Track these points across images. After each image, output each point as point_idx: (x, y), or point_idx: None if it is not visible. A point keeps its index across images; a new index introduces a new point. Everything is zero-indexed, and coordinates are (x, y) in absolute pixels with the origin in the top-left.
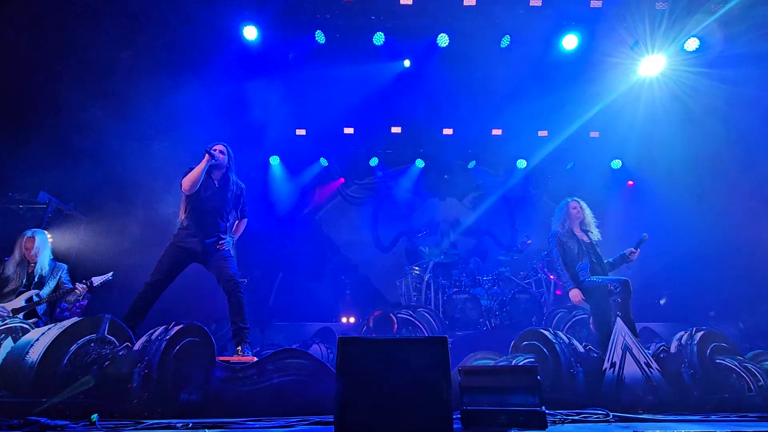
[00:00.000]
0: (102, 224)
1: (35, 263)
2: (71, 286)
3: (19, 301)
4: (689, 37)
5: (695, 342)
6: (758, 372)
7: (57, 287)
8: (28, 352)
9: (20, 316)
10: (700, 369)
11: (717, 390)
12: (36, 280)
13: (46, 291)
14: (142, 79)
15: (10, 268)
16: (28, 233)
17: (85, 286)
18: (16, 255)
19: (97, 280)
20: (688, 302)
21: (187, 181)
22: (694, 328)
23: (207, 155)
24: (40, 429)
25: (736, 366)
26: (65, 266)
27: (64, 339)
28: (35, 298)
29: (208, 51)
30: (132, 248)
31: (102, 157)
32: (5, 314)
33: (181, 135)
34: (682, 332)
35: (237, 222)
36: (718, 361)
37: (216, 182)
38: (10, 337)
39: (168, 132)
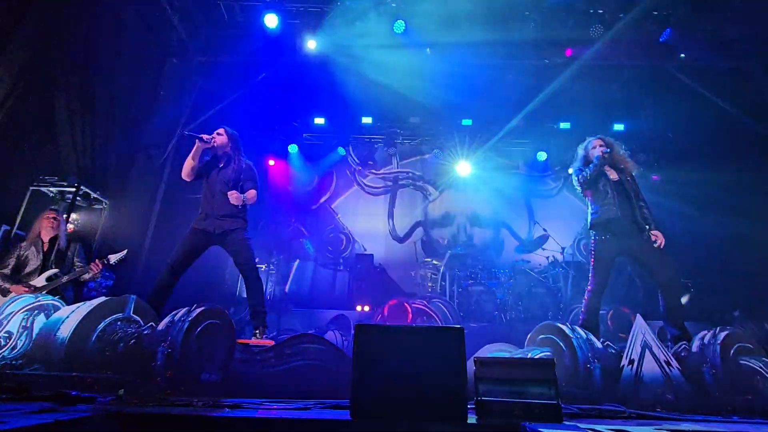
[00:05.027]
0: (127, 208)
1: (48, 241)
2: (85, 262)
3: (41, 280)
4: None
5: (719, 342)
6: None
7: (72, 264)
8: (59, 329)
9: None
10: (722, 369)
11: (740, 391)
12: (53, 258)
13: (64, 269)
14: (168, 71)
15: (26, 246)
16: (44, 213)
17: (99, 264)
18: (32, 233)
19: (113, 258)
20: (711, 301)
21: (183, 169)
22: (718, 328)
23: (197, 142)
24: (72, 400)
25: (761, 368)
26: (79, 243)
27: (93, 317)
28: (54, 277)
29: (231, 39)
30: (155, 232)
31: (128, 144)
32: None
33: (204, 123)
34: (705, 331)
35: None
36: (742, 362)
37: (221, 165)
38: (42, 314)
39: (191, 120)
